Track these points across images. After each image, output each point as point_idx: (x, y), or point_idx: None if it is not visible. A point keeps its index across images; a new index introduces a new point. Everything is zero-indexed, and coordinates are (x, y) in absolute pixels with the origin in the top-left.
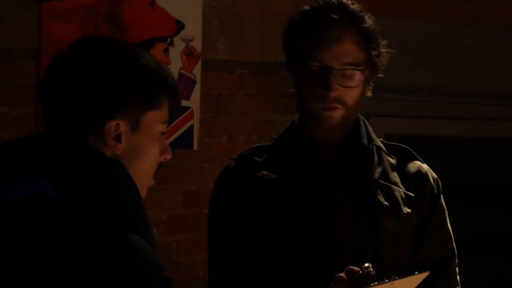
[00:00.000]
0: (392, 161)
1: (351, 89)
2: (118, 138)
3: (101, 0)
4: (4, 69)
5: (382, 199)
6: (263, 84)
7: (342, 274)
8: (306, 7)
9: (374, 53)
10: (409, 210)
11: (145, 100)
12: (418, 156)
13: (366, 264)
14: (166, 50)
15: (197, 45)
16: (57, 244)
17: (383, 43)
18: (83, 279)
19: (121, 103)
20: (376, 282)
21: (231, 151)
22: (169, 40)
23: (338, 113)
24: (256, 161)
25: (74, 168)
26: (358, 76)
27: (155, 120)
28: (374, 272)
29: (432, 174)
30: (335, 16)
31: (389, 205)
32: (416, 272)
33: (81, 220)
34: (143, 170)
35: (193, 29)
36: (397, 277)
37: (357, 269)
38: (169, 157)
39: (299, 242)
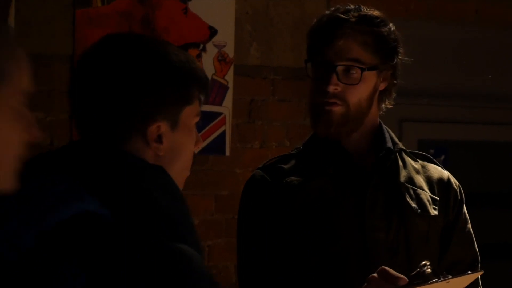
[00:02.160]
0: (416, 165)
1: (352, 87)
2: (159, 139)
3: (135, 6)
4: (39, 75)
5: (410, 201)
6: (295, 90)
7: (375, 275)
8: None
9: (386, 58)
10: (436, 213)
11: (181, 97)
12: (438, 163)
13: (424, 262)
14: (198, 56)
15: (230, 50)
16: (112, 262)
17: (400, 51)
18: None
19: (161, 104)
20: (433, 280)
21: (264, 156)
22: (201, 46)
23: (337, 109)
24: (283, 168)
25: (119, 181)
26: (360, 74)
27: (190, 114)
28: (430, 270)
29: (454, 180)
30: (345, 18)
31: (417, 208)
32: (469, 272)
33: (131, 235)
34: (183, 165)
35: (226, 35)
36: (451, 276)
37: (389, 269)
38: (201, 145)
39: (332, 244)
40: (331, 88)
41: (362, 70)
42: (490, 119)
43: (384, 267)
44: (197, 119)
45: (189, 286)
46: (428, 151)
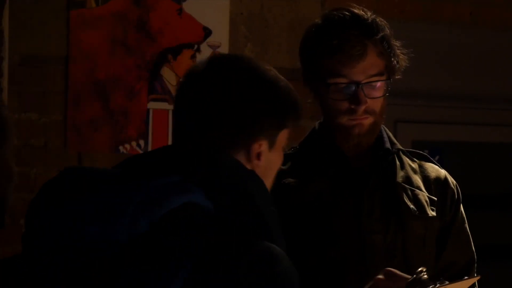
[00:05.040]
0: (413, 165)
1: (377, 98)
2: (258, 156)
3: (129, 7)
4: (33, 76)
5: (408, 203)
6: None
7: (382, 276)
8: (319, 22)
9: (393, 58)
10: (434, 214)
11: (283, 121)
12: (435, 161)
13: (420, 269)
14: (193, 57)
15: (224, 51)
16: (208, 251)
17: (397, 44)
18: (227, 286)
19: (266, 125)
20: (430, 286)
21: None
22: (196, 46)
23: (368, 121)
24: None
25: (222, 178)
26: (383, 85)
27: (285, 137)
28: (426, 276)
29: (451, 179)
30: (354, 32)
31: (415, 209)
32: (466, 277)
33: (229, 228)
34: (271, 182)
35: (220, 36)
36: (447, 282)
37: (395, 270)
38: (282, 162)
39: (330, 246)
40: (362, 108)
41: (386, 81)
42: (485, 120)
43: (389, 268)
44: (287, 142)
45: (278, 285)
46: (423, 151)
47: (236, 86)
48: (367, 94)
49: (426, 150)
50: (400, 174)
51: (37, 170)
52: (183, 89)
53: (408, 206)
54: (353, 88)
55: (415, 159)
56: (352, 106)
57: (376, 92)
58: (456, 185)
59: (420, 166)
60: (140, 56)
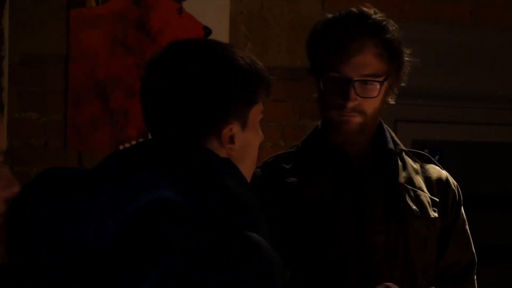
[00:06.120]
0: (415, 165)
1: (370, 99)
2: (232, 140)
3: (129, 7)
4: (33, 76)
5: (410, 203)
6: (290, 90)
7: None
8: (328, 16)
9: (395, 63)
10: (436, 215)
11: (250, 98)
12: (437, 162)
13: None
14: None
15: None
16: (183, 245)
17: (406, 52)
18: (206, 278)
19: (233, 107)
20: None
21: (258, 156)
22: None
23: (356, 120)
24: (284, 168)
25: (192, 170)
26: (377, 86)
27: (257, 113)
28: None
29: (452, 180)
30: (355, 29)
31: (417, 210)
32: None
33: (203, 221)
34: (252, 160)
35: (220, 35)
36: None
37: (395, 286)
38: (263, 138)
39: (331, 246)
40: (350, 105)
41: (381, 84)
42: (485, 119)
43: (387, 284)
44: (261, 116)
45: (258, 273)
46: (423, 151)
47: (194, 69)
48: (359, 92)
49: (426, 150)
50: (403, 174)
51: (37, 170)
52: (144, 80)
53: (410, 207)
54: (345, 83)
55: (416, 160)
56: (341, 102)
57: (369, 92)
58: (457, 186)
59: (422, 167)
60: (140, 55)
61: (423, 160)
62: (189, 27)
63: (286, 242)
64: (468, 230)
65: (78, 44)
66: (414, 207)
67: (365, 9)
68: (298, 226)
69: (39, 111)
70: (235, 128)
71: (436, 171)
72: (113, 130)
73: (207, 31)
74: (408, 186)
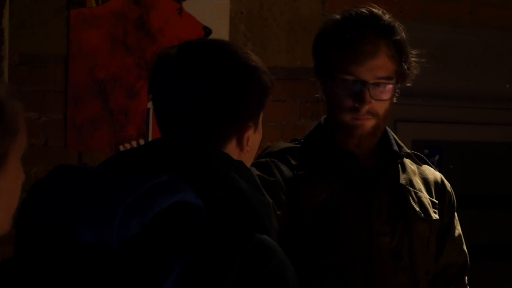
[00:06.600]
0: (412, 167)
1: (382, 101)
2: (247, 142)
3: (130, 7)
4: (33, 75)
5: (414, 205)
6: (290, 90)
7: None
8: (337, 17)
9: (405, 65)
10: (437, 216)
11: (264, 102)
12: (431, 163)
13: None
14: None
15: None
16: (201, 248)
17: (413, 52)
18: (223, 282)
19: (253, 109)
20: None
21: (258, 157)
22: None
23: (370, 123)
24: (290, 161)
25: (210, 174)
26: (390, 88)
27: (262, 116)
28: None
29: (447, 182)
30: (368, 30)
31: (421, 211)
32: None
33: (221, 224)
34: (252, 159)
35: (220, 35)
36: None
37: None
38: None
39: (340, 248)
40: (366, 108)
41: (394, 85)
42: (485, 119)
43: None
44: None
45: (273, 277)
46: (423, 151)
47: (221, 71)
48: (373, 95)
49: (426, 150)
50: (403, 176)
51: (37, 169)
52: (158, 77)
53: (414, 209)
54: (360, 86)
55: (413, 161)
56: (356, 105)
57: (383, 95)
58: (451, 188)
59: (418, 168)
60: (140, 55)
61: (419, 160)
62: (189, 27)
63: (296, 240)
64: (460, 230)
65: (78, 44)
66: (417, 208)
67: (374, 9)
68: (307, 226)
69: (39, 111)
70: (251, 131)
71: (431, 172)
72: (113, 130)
73: (207, 31)
74: (410, 188)
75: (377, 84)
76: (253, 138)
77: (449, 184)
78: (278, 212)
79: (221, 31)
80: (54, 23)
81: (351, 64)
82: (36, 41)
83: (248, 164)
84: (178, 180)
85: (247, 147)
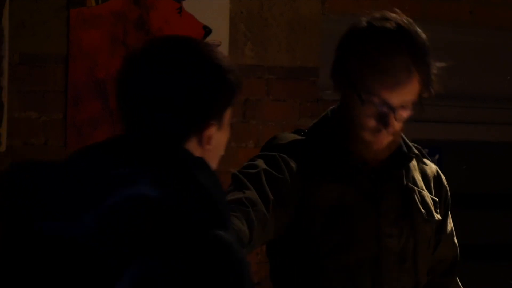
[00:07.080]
0: (413, 162)
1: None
2: (209, 140)
3: (130, 6)
4: (33, 75)
5: (420, 207)
6: (290, 89)
7: None
8: (362, 26)
9: (430, 86)
10: (439, 217)
11: (230, 101)
12: (427, 156)
13: None
14: None
15: (224, 50)
16: (157, 244)
17: (435, 66)
18: (178, 277)
19: (216, 109)
20: None
21: None
22: None
23: (388, 139)
24: (300, 158)
25: (170, 169)
26: (411, 107)
27: (230, 114)
28: None
29: (443, 176)
30: (403, 58)
31: (425, 213)
32: None
33: (178, 219)
34: (218, 159)
35: (220, 34)
36: None
37: None
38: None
39: (350, 250)
40: (391, 131)
41: (418, 106)
42: (485, 119)
43: None
44: (231, 116)
45: (229, 273)
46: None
47: (181, 69)
48: (397, 117)
49: (426, 149)
50: (408, 175)
51: None
52: (123, 75)
53: (420, 210)
54: (386, 109)
55: (413, 157)
56: (380, 127)
57: (405, 114)
58: (445, 180)
59: (418, 163)
60: None
61: (419, 154)
62: (189, 26)
63: (302, 241)
64: (452, 224)
65: (78, 44)
66: (422, 210)
67: (400, 22)
68: (317, 227)
69: (39, 111)
70: (213, 129)
71: (429, 166)
72: (113, 130)
73: (207, 30)
74: (415, 187)
75: (403, 107)
76: (217, 137)
77: (444, 177)
78: (278, 208)
79: (221, 31)
80: (54, 23)
81: (381, 88)
82: (36, 41)
83: (212, 162)
84: (135, 174)
85: (208, 146)
